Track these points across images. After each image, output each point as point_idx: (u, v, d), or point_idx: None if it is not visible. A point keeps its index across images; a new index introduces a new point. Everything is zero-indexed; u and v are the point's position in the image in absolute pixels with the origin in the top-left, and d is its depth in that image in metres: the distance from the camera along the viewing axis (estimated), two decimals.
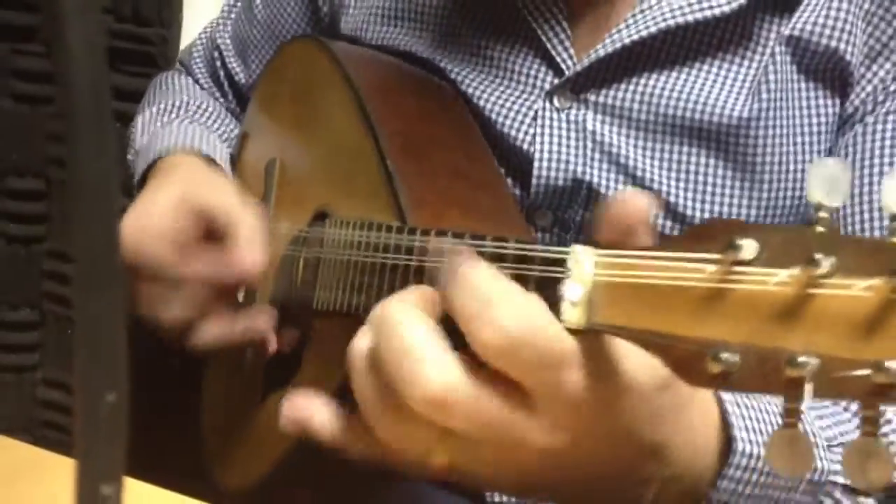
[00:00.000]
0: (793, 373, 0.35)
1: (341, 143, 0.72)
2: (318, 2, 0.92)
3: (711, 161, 0.76)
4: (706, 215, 0.76)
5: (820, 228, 0.36)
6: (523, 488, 0.50)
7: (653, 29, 0.74)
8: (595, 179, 0.77)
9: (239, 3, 1.02)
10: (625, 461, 0.46)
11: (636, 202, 0.43)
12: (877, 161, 0.75)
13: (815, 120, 0.76)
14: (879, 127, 0.75)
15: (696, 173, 0.76)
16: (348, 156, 0.71)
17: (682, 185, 0.76)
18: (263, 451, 0.74)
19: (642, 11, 0.75)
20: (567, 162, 0.77)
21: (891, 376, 0.34)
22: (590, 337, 0.42)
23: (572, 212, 0.78)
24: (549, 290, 0.42)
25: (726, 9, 0.74)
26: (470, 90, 0.79)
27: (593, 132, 0.76)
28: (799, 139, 0.76)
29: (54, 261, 1.50)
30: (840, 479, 0.59)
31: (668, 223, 0.76)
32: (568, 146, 0.77)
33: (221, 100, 1.03)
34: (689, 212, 0.76)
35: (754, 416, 0.54)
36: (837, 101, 0.75)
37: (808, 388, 0.35)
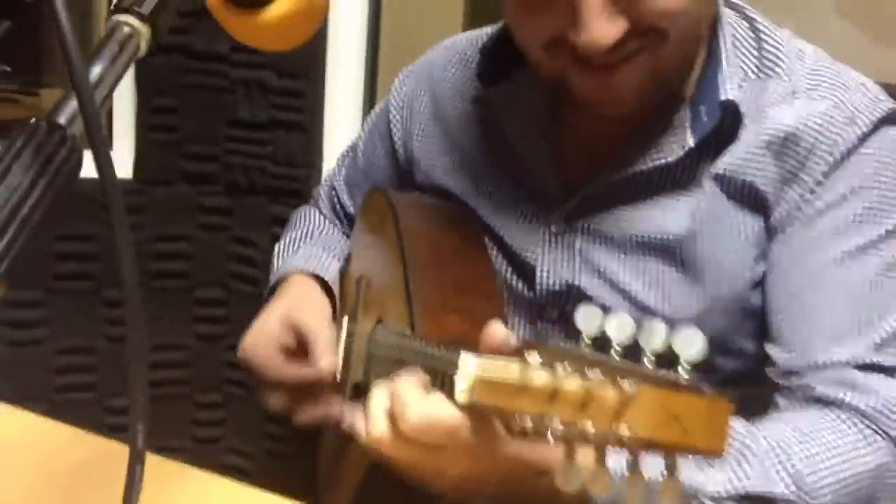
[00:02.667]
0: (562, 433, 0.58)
1: (388, 269, 1.00)
2: (398, 158, 1.21)
3: (666, 268, 0.98)
4: (663, 307, 0.98)
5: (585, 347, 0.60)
6: (457, 493, 0.77)
7: (624, 175, 0.98)
8: (582, 285, 1.00)
9: (350, 155, 1.32)
10: (511, 476, 0.72)
11: (498, 332, 0.70)
12: (799, 266, 0.95)
13: (741, 234, 0.96)
14: (798, 236, 0.95)
15: (656, 277, 0.98)
16: (391, 278, 0.99)
17: (646, 286, 0.98)
18: (349, 477, 1.03)
19: (615, 163, 0.99)
20: (561, 273, 1.01)
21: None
22: (472, 408, 0.67)
23: (569, 308, 1.02)
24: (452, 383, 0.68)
25: (671, 158, 0.96)
26: (490, 221, 1.05)
27: (580, 250, 1.00)
28: (730, 248, 0.96)
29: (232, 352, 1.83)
30: (707, 490, 0.80)
31: (637, 314, 0.99)
32: (562, 261, 1.01)
33: (339, 226, 1.33)
34: (651, 305, 0.98)
35: None
36: (759, 218, 0.96)
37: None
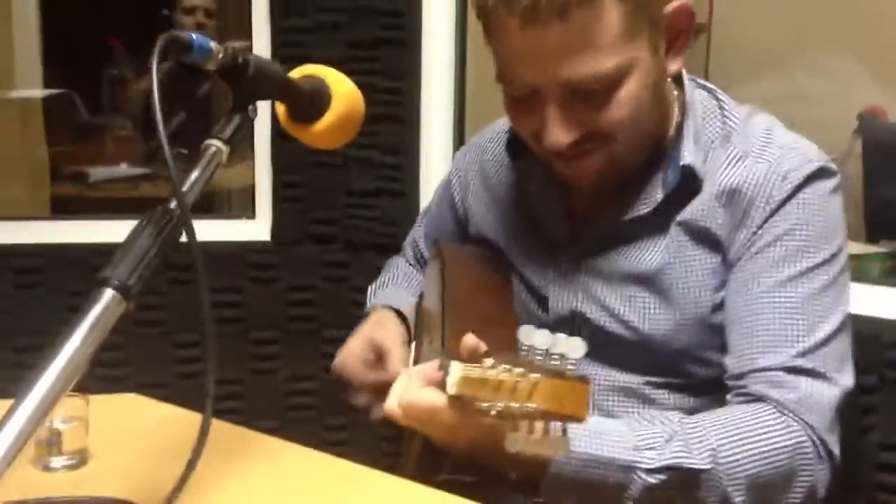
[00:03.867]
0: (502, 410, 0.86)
1: (435, 304, 1.30)
2: (458, 215, 1.50)
3: (646, 295, 1.23)
4: (644, 326, 1.23)
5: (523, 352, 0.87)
6: (450, 448, 1.03)
7: (613, 225, 1.25)
8: (584, 310, 1.26)
9: (426, 215, 1.62)
10: (481, 442, 0.97)
11: (468, 341, 0.97)
12: (745, 292, 1.18)
13: (702, 269, 1.20)
14: (745, 269, 1.19)
15: (638, 303, 1.23)
16: (436, 310, 1.28)
17: (631, 310, 1.23)
18: (414, 447, 1.29)
19: (606, 216, 1.26)
20: (568, 302, 1.28)
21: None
22: (457, 398, 0.92)
23: (576, 329, 1.28)
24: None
25: (646, 210, 1.22)
26: (516, 262, 1.33)
27: (582, 283, 1.27)
28: (695, 280, 1.20)
29: None
30: (643, 465, 1.04)
31: (625, 333, 1.24)
32: (568, 292, 1.28)
33: (419, 270, 1.62)
34: (635, 324, 1.23)
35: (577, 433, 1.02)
36: (717, 255, 1.19)
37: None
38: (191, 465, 0.76)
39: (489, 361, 0.88)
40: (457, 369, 0.88)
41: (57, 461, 0.99)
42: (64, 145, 3.45)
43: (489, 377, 0.85)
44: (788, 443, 1.09)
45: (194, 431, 1.08)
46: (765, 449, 1.08)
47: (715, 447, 1.06)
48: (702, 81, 1.29)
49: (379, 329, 1.40)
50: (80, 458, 1.00)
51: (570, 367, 0.84)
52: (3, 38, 2.98)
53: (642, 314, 1.23)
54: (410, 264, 1.61)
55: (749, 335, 1.16)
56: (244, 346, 2.13)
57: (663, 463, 1.05)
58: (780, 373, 1.13)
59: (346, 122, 1.02)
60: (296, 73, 1.00)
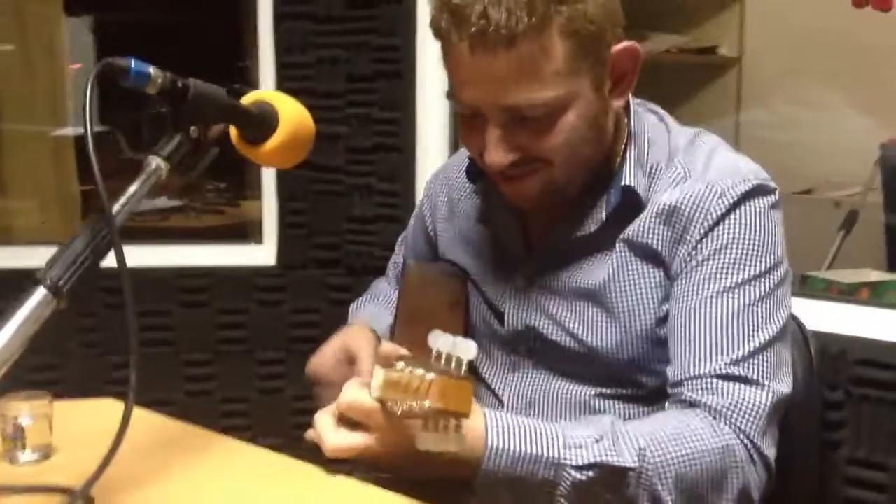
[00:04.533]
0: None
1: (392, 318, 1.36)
2: (430, 237, 1.56)
3: (594, 309, 1.27)
4: (592, 339, 1.27)
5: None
6: (388, 463, 1.08)
7: (562, 243, 1.29)
8: (537, 325, 1.31)
9: (404, 238, 1.68)
10: (408, 443, 1.03)
11: (386, 347, 1.03)
12: (684, 304, 1.22)
13: (646, 283, 1.24)
14: (684, 282, 1.23)
15: (587, 317, 1.26)
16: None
17: (580, 324, 1.27)
18: None
19: (555, 235, 1.31)
20: (523, 317, 1.32)
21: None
22: (381, 402, 0.99)
23: (531, 344, 1.32)
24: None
25: (592, 229, 1.27)
26: (476, 278, 1.37)
27: (535, 299, 1.31)
28: (639, 294, 1.23)
29: None
30: (571, 462, 1.08)
31: (575, 346, 1.28)
32: (521, 307, 1.32)
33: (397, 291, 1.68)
34: (584, 338, 1.26)
35: (507, 427, 1.07)
36: (659, 270, 1.23)
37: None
38: (113, 449, 0.83)
39: (400, 365, 0.94)
40: (379, 373, 0.94)
41: (22, 455, 1.06)
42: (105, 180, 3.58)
43: (399, 379, 0.91)
44: (717, 445, 1.11)
45: (162, 434, 1.17)
46: (693, 450, 1.10)
47: (643, 447, 1.09)
48: (651, 106, 1.34)
49: (351, 336, 1.45)
50: (44, 453, 1.07)
51: (460, 367, 0.89)
52: (58, 77, 3.13)
53: (590, 328, 1.27)
54: (390, 284, 1.67)
55: (686, 345, 1.19)
56: (251, 365, 2.21)
57: (590, 460, 1.08)
58: (714, 380, 1.16)
59: (294, 143, 1.07)
60: (247, 99, 1.07)
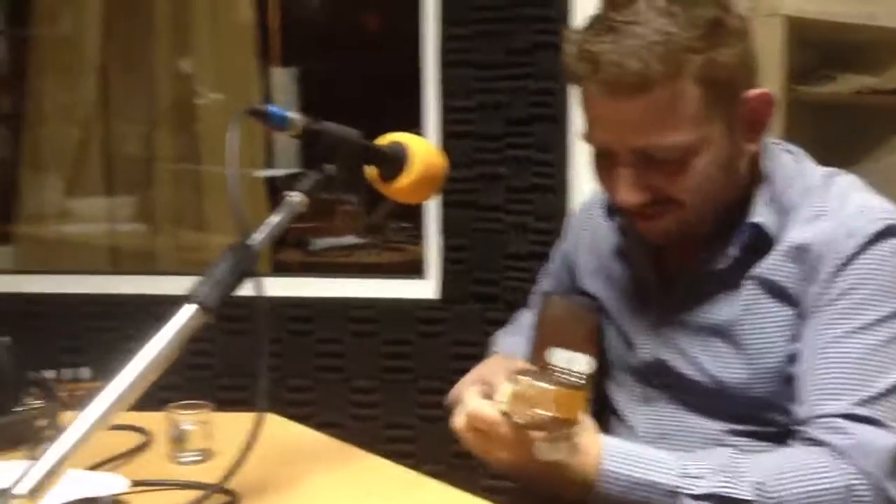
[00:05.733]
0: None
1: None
2: (571, 269, 1.60)
3: (723, 346, 1.27)
4: (721, 375, 1.27)
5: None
6: (509, 471, 1.14)
7: (694, 280, 1.31)
8: (668, 359, 1.33)
9: (547, 270, 1.73)
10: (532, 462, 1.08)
11: (517, 363, 1.08)
12: (812, 343, 1.21)
13: (775, 321, 1.23)
14: (813, 321, 1.22)
15: (716, 352, 1.26)
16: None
17: (710, 359, 1.27)
18: None
19: (687, 272, 1.32)
20: (654, 350, 1.34)
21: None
22: (506, 414, 1.06)
23: (665, 377, 1.34)
24: None
25: (724, 265, 1.28)
26: (612, 312, 1.40)
27: (666, 332, 1.33)
28: (769, 332, 1.23)
29: None
30: (688, 491, 1.09)
31: (705, 381, 1.29)
32: (654, 340, 1.33)
33: None
34: (714, 373, 1.27)
35: (624, 454, 1.10)
36: (789, 308, 1.23)
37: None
38: (246, 450, 0.93)
39: (524, 378, 1.00)
40: (504, 387, 1.00)
41: (185, 456, 1.19)
42: (299, 219, 3.83)
43: (521, 391, 0.97)
44: (840, 484, 1.10)
45: (321, 450, 1.27)
46: (814, 487, 1.09)
47: (762, 481, 1.09)
48: (787, 146, 1.34)
49: (489, 367, 1.51)
50: (205, 456, 1.20)
51: (575, 378, 0.94)
52: (256, 125, 3.40)
53: (720, 363, 1.27)
54: (533, 314, 1.72)
55: (813, 384, 1.18)
56: (413, 394, 2.30)
57: (707, 491, 1.09)
58: (839, 419, 1.14)
59: (425, 179, 1.16)
60: (382, 139, 1.17)
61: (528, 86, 2.13)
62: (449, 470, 2.34)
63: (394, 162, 1.14)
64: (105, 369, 1.77)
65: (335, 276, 2.51)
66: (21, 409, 1.30)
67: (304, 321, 2.38)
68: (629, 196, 1.21)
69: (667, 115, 1.14)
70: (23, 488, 0.76)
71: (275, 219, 1.03)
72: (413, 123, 2.41)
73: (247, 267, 0.97)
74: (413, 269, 2.71)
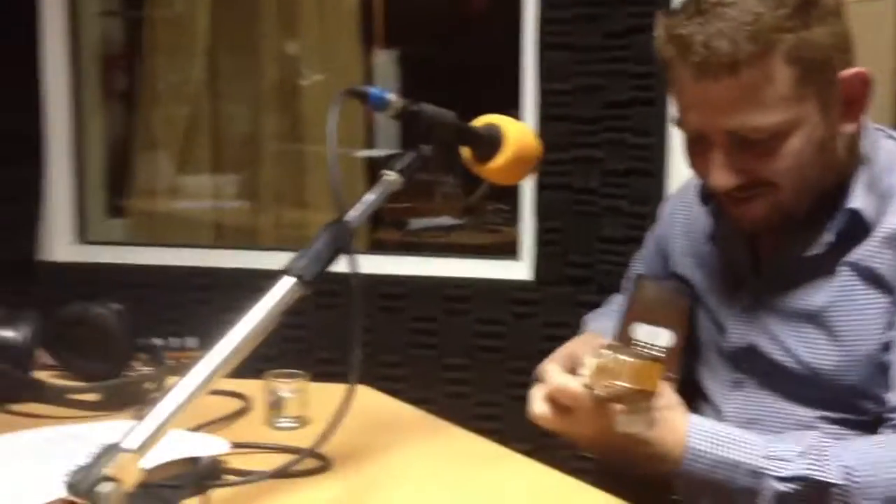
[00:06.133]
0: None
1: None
2: (664, 253, 1.60)
3: (815, 332, 1.26)
4: (813, 361, 1.26)
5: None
6: (591, 448, 1.15)
7: (787, 264, 1.30)
8: (760, 344, 1.32)
9: (640, 253, 1.73)
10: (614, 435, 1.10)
11: (595, 339, 1.10)
12: None
13: (870, 308, 1.21)
14: None
15: (808, 338, 1.25)
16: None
17: (803, 346, 1.26)
18: None
19: (781, 255, 1.31)
20: (745, 335, 1.34)
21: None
22: (588, 388, 1.08)
23: (754, 361, 1.33)
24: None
25: (818, 251, 1.26)
26: (703, 295, 1.40)
27: (759, 316, 1.32)
28: (863, 319, 1.21)
29: None
30: (774, 473, 1.09)
31: (797, 367, 1.28)
32: (745, 326, 1.33)
33: None
34: (804, 359, 1.26)
35: (709, 432, 1.10)
36: (885, 295, 1.21)
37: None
38: (338, 417, 0.97)
39: (606, 352, 1.02)
40: (589, 361, 1.02)
41: (281, 422, 1.24)
42: (398, 199, 3.89)
43: (604, 364, 0.99)
44: None
45: (410, 422, 1.30)
46: None
47: (851, 465, 1.08)
48: (890, 131, 1.31)
49: (578, 344, 1.52)
50: (300, 422, 1.24)
51: (655, 352, 0.95)
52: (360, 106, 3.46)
53: (813, 350, 1.25)
54: (625, 297, 1.73)
55: None
56: (504, 374, 2.33)
57: (793, 473, 1.08)
58: None
59: (519, 161, 1.17)
60: (477, 122, 1.19)
61: (627, 69, 2.12)
62: (536, 450, 2.36)
63: (488, 143, 1.16)
64: (209, 339, 1.85)
65: (430, 256, 2.55)
66: (131, 373, 1.37)
67: (399, 298, 2.42)
68: (722, 179, 1.20)
69: (758, 95, 1.14)
70: (131, 444, 0.81)
71: (370, 197, 1.05)
72: (511, 106, 2.42)
73: (343, 243, 1.01)
74: (509, 250, 2.73)
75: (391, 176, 1.07)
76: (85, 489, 0.77)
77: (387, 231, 3.66)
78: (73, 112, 2.82)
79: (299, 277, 0.97)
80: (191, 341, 1.86)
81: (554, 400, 1.14)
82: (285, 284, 0.97)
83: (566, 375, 1.13)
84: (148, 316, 1.46)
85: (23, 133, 2.62)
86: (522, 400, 2.29)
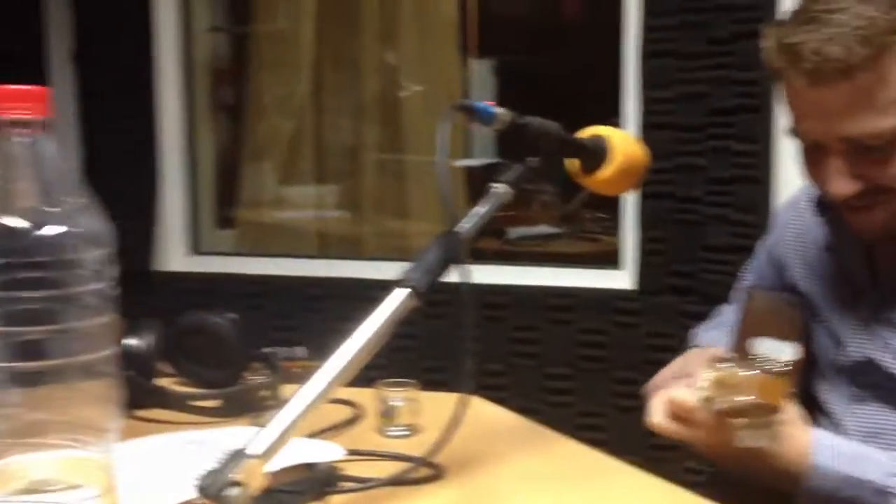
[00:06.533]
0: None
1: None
2: (776, 265, 1.57)
3: None
4: None
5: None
6: (710, 456, 1.14)
7: None
8: (879, 358, 1.29)
9: (751, 264, 1.70)
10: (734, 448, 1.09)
11: (711, 351, 1.09)
12: None
13: None
14: None
15: None
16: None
17: None
18: None
19: None
20: (863, 348, 1.30)
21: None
22: (707, 400, 1.07)
23: (869, 373, 1.30)
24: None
25: None
26: (819, 308, 1.37)
27: (878, 331, 1.29)
28: None
29: None
30: None
31: None
32: (864, 339, 1.30)
33: None
34: None
35: (833, 448, 1.08)
36: None
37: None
38: (451, 427, 0.99)
39: (724, 365, 1.01)
40: (706, 373, 1.02)
41: (392, 430, 1.26)
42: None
43: (723, 378, 0.99)
44: None
45: (521, 433, 1.30)
46: None
47: None
48: None
49: (690, 359, 1.51)
50: (411, 431, 1.27)
51: (780, 366, 0.95)
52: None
53: None
54: (734, 309, 1.70)
55: None
56: (607, 384, 2.32)
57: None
58: None
59: (625, 172, 1.17)
60: (583, 133, 1.19)
61: (731, 75, 2.09)
62: (642, 461, 2.34)
63: (594, 155, 1.16)
64: (315, 348, 1.90)
65: (532, 265, 2.56)
66: (247, 381, 1.42)
67: (500, 308, 2.43)
68: (840, 187, 1.18)
69: (873, 99, 1.12)
70: (256, 449, 0.84)
71: (481, 209, 1.07)
72: (609, 114, 2.42)
73: (454, 254, 1.03)
74: (608, 259, 2.72)
75: (501, 188, 1.09)
76: (215, 492, 0.81)
77: (485, 240, 3.68)
78: (185, 126, 2.92)
79: (413, 289, 1.00)
80: (300, 351, 1.91)
81: (672, 412, 1.14)
82: (399, 295, 1.00)
83: (683, 389, 1.13)
84: (257, 325, 1.50)
85: (140, 148, 2.73)
86: (627, 411, 2.30)
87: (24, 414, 0.75)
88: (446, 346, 2.33)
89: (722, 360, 1.05)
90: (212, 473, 0.82)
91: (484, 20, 3.88)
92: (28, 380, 0.74)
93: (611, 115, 2.43)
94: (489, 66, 4.21)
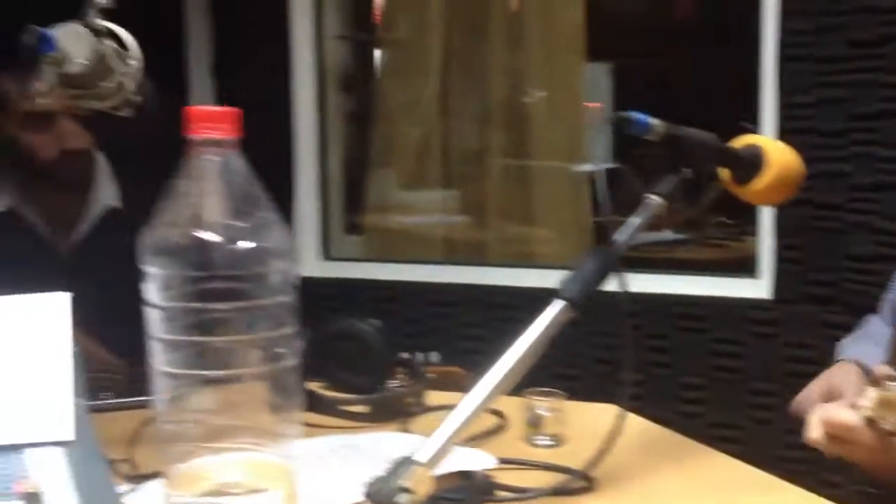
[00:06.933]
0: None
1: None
2: None
3: None
4: None
5: None
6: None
7: None
8: None
9: None
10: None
11: (884, 370, 1.06)
12: None
13: None
14: None
15: None
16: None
17: None
18: None
19: None
20: None
21: None
22: (871, 420, 1.04)
23: None
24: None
25: None
26: None
27: None
28: None
29: None
30: None
31: None
32: None
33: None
34: None
35: None
36: None
37: None
38: (609, 441, 0.99)
39: (892, 384, 0.98)
40: (871, 392, 0.99)
41: (539, 439, 1.27)
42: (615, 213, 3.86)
43: (890, 397, 0.96)
44: None
45: (672, 446, 1.29)
46: None
47: None
48: None
49: (837, 374, 1.48)
50: (557, 440, 1.27)
51: None
52: (579, 119, 3.46)
53: None
54: (883, 319, 1.65)
55: None
56: (743, 395, 2.27)
57: None
58: None
59: (781, 183, 1.16)
60: (737, 142, 1.18)
61: (877, 79, 2.02)
62: (778, 474, 2.29)
63: (749, 165, 1.15)
64: (446, 354, 1.91)
65: (662, 273, 2.52)
66: (391, 386, 1.45)
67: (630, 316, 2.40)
68: None
69: None
70: (423, 457, 0.86)
71: (635, 220, 1.07)
72: (733, 119, 2.36)
73: (610, 265, 1.03)
74: (734, 266, 2.67)
75: (655, 199, 1.08)
76: (385, 498, 0.83)
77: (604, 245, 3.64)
78: (319, 134, 3.00)
79: (570, 301, 1.00)
80: (434, 356, 1.93)
81: (833, 432, 1.11)
82: (556, 307, 1.00)
83: (840, 407, 1.10)
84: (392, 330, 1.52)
85: (278, 156, 2.81)
86: (764, 422, 2.25)
87: (211, 418, 0.78)
88: (576, 353, 2.32)
89: (888, 377, 1.02)
90: (380, 480, 0.84)
91: (597, 23, 3.85)
92: (216, 386, 0.78)
93: (735, 120, 2.37)
94: (605, 69, 4.17)
